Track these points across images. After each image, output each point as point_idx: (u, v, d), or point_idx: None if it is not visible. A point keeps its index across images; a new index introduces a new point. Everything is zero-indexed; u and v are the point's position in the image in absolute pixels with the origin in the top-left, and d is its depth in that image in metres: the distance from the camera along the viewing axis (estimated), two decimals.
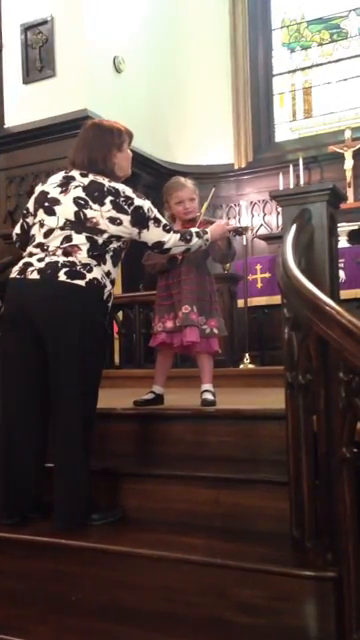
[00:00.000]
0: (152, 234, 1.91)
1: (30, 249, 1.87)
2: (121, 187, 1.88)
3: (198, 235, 2.03)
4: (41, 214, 1.87)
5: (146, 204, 1.90)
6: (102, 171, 1.89)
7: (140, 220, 1.87)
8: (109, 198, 1.83)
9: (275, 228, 5.58)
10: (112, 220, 1.83)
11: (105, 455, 2.11)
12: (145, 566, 1.59)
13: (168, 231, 1.95)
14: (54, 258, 1.79)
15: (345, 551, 1.29)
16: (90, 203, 1.82)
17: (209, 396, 2.22)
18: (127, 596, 1.59)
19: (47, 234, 1.84)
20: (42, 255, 1.82)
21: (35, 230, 1.89)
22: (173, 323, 2.26)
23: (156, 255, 2.35)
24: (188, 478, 1.83)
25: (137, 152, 5.22)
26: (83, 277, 1.78)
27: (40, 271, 1.79)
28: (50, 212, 1.85)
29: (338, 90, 5.91)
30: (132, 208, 1.86)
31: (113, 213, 1.83)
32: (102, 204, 1.82)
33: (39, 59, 4.82)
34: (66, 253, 1.79)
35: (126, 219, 1.85)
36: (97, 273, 1.81)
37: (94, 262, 1.81)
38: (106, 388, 4.00)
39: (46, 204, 1.87)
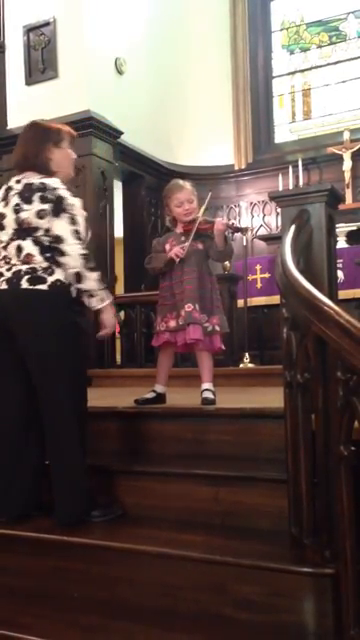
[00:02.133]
0: (59, 225, 1.81)
1: (1, 259, 1.90)
2: (49, 181, 1.85)
3: (99, 280, 1.85)
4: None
5: (73, 200, 1.84)
6: (34, 165, 1.90)
7: (56, 208, 1.81)
8: (37, 194, 1.83)
9: (275, 229, 5.59)
10: (38, 213, 1.81)
11: (106, 453, 2.13)
12: (145, 563, 1.61)
13: (77, 238, 1.82)
14: (18, 267, 1.83)
15: (343, 548, 1.30)
16: (22, 206, 1.84)
17: (209, 395, 2.24)
18: (127, 592, 1.61)
19: (5, 247, 1.88)
20: (9, 265, 1.85)
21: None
22: (176, 322, 2.28)
23: (156, 258, 2.38)
24: (188, 476, 1.85)
25: (139, 153, 5.28)
26: (44, 281, 1.80)
27: (8, 281, 1.83)
28: (1, 227, 1.88)
29: (337, 92, 5.93)
30: (54, 196, 1.82)
31: (39, 206, 1.82)
32: (31, 202, 1.82)
33: (41, 60, 4.84)
34: (25, 262, 1.83)
35: (49, 207, 1.82)
36: (60, 274, 1.82)
37: (54, 264, 1.82)
38: (107, 387, 4.03)
39: None
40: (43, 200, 1.82)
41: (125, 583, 1.62)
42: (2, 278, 1.84)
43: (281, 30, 6.26)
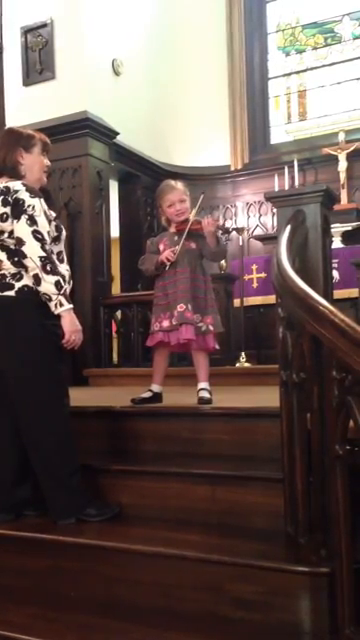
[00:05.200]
0: (19, 227, 1.79)
1: None
2: (13, 183, 1.85)
3: (58, 285, 1.80)
4: None
5: (31, 200, 1.82)
6: (5, 169, 1.91)
7: (15, 210, 1.81)
8: (0, 198, 1.83)
9: (271, 229, 5.60)
10: (1, 217, 1.82)
11: (102, 452, 2.13)
12: (142, 562, 1.61)
13: (37, 239, 1.79)
14: None
15: (338, 547, 1.30)
16: None
17: (205, 394, 2.25)
18: (124, 592, 1.61)
19: None
20: None
21: None
22: (169, 322, 2.28)
23: (148, 259, 2.39)
24: (184, 475, 1.85)
25: (136, 154, 5.29)
26: (12, 287, 1.81)
27: None
28: None
29: (332, 93, 5.95)
30: (14, 198, 1.81)
31: (1, 209, 1.82)
32: None
33: (39, 61, 4.83)
34: None
35: (9, 210, 1.82)
36: (27, 280, 1.82)
37: (22, 269, 1.82)
38: (104, 386, 4.03)
39: None
40: (4, 203, 1.83)
41: (122, 583, 1.62)
42: None
43: (277, 32, 6.28)
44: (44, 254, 1.79)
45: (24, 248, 1.79)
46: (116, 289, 5.40)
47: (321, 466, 1.42)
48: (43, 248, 1.79)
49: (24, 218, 1.80)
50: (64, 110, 4.49)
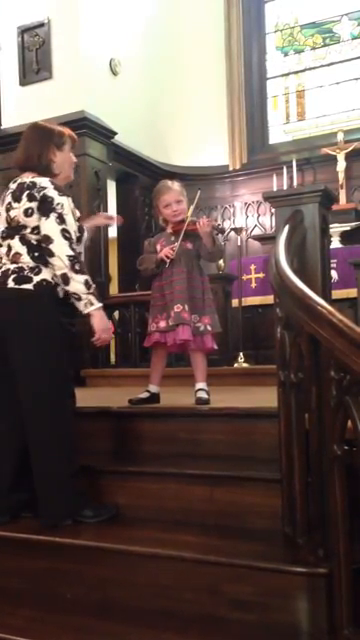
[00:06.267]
0: (48, 225, 1.79)
1: None
2: (40, 180, 1.85)
3: (87, 284, 1.79)
4: None
5: (60, 199, 1.81)
6: (36, 167, 1.90)
7: (43, 208, 1.80)
8: (26, 192, 1.83)
9: (269, 229, 5.60)
10: (25, 211, 1.82)
11: (99, 453, 2.12)
12: (139, 563, 1.60)
13: (66, 238, 1.79)
14: (7, 266, 1.83)
15: (336, 547, 1.30)
16: (12, 204, 1.85)
17: (203, 395, 2.24)
18: (121, 593, 1.60)
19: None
20: (0, 264, 1.86)
21: None
22: (166, 322, 2.28)
23: (147, 259, 2.38)
24: (182, 476, 1.84)
25: (134, 154, 5.28)
26: (30, 281, 1.80)
27: None
28: None
29: (331, 93, 5.95)
30: (41, 195, 1.81)
31: (27, 204, 1.82)
32: (20, 200, 1.83)
33: (36, 61, 4.83)
34: (13, 261, 1.83)
35: (35, 206, 1.81)
36: (46, 274, 1.81)
37: (41, 264, 1.81)
38: (102, 387, 4.02)
39: None
40: (30, 198, 1.82)
41: (118, 584, 1.61)
42: None
43: (275, 32, 6.28)
44: (72, 253, 1.78)
45: (52, 246, 1.78)
46: (114, 289, 5.39)
47: (319, 466, 1.42)
48: (71, 247, 1.79)
49: (53, 216, 1.79)
50: (61, 110, 4.48)
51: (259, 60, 6.18)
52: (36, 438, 1.81)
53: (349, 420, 1.28)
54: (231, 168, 5.91)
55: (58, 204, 1.81)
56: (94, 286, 1.83)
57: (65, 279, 1.78)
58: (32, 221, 1.81)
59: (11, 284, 1.80)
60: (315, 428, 1.43)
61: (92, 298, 1.81)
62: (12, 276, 1.80)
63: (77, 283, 1.78)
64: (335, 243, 4.77)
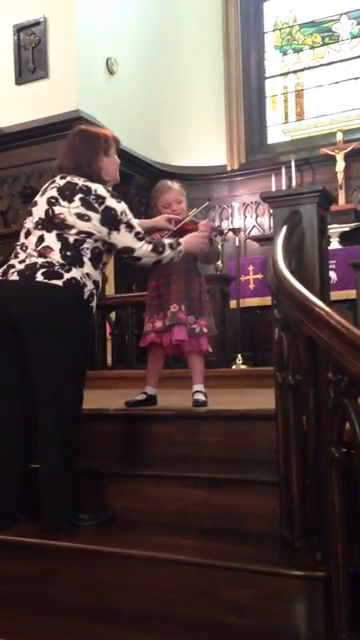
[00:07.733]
0: (123, 238, 1.87)
1: (15, 251, 1.89)
2: (94, 186, 1.86)
3: (171, 247, 1.97)
4: (27, 219, 1.92)
5: (120, 207, 1.86)
6: (88, 174, 1.90)
7: (110, 221, 1.84)
8: (79, 196, 1.83)
9: (267, 229, 5.60)
10: (80, 216, 1.82)
11: (96, 456, 2.10)
12: (135, 567, 1.59)
13: (140, 239, 1.90)
14: (33, 259, 1.81)
15: (334, 550, 1.29)
16: (60, 201, 1.84)
17: (200, 397, 2.23)
18: (117, 597, 1.59)
19: (26, 235, 1.87)
20: (23, 256, 1.84)
21: (21, 234, 1.92)
22: (162, 323, 2.27)
23: None
24: (179, 478, 1.83)
25: (130, 153, 5.26)
26: (60, 277, 1.78)
27: (19, 272, 1.80)
28: (30, 214, 1.90)
29: (330, 93, 5.95)
30: (103, 207, 1.83)
31: (82, 210, 1.82)
32: (71, 201, 1.83)
33: (32, 60, 4.82)
34: (41, 255, 1.81)
35: (95, 217, 1.83)
36: (76, 273, 1.81)
37: (71, 263, 1.81)
38: (98, 389, 4.01)
39: (29, 208, 1.92)
40: (87, 205, 1.82)
41: (114, 588, 1.60)
42: (12, 270, 1.82)
43: (274, 31, 6.28)
44: (150, 246, 1.92)
45: (135, 254, 1.91)
46: (110, 290, 5.38)
47: (317, 469, 1.41)
48: (146, 242, 1.91)
49: (123, 227, 1.86)
50: (57, 109, 4.48)
51: (257, 59, 6.18)
52: (48, 439, 1.78)
53: (347, 422, 1.27)
54: (229, 168, 5.91)
55: (122, 212, 1.86)
56: (169, 242, 1.98)
57: (158, 262, 1.97)
58: (86, 227, 1.82)
59: (40, 278, 1.77)
60: (313, 430, 1.42)
61: (178, 249, 1.99)
62: (41, 270, 1.78)
63: (167, 257, 1.97)
64: (334, 244, 4.77)
